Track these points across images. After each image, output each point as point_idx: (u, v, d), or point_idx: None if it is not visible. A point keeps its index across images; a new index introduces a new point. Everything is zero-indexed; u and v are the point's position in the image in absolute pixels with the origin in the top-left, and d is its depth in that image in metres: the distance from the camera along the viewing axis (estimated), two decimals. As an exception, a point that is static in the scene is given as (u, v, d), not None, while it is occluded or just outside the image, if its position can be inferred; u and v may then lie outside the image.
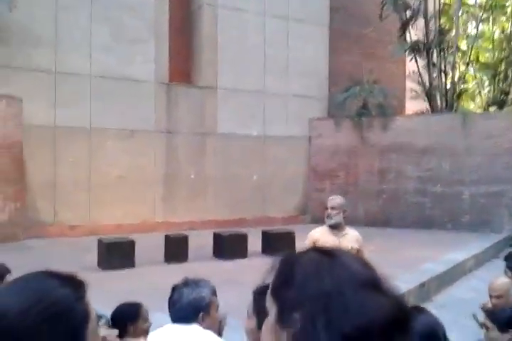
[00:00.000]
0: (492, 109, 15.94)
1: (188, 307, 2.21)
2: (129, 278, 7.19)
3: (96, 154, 11.90)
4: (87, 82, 11.79)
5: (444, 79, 15.68)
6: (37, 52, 11.22)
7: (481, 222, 12.63)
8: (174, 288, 2.29)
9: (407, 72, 17.23)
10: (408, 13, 15.52)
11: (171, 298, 2.27)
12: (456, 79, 16.08)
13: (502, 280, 4.25)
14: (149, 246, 8.94)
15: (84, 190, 11.74)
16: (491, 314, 3.30)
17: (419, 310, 2.20)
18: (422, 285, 7.06)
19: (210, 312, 2.24)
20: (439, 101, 15.46)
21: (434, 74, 15.63)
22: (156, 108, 12.76)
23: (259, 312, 1.72)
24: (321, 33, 15.39)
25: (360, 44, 16.23)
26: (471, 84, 17.56)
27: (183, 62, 13.60)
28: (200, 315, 2.21)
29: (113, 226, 11.66)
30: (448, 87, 15.68)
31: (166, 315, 2.40)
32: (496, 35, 16.98)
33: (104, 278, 6.83)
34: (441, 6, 16.14)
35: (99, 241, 8.40)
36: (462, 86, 16.58)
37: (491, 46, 16.89)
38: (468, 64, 16.66)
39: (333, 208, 4.04)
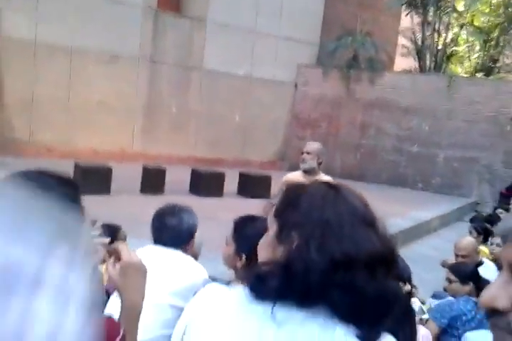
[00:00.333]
0: (479, 75, 16.00)
1: (185, 233, 2.24)
2: (105, 205, 7.18)
3: (77, 76, 11.47)
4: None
5: (436, 39, 15.53)
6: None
7: (451, 185, 13.02)
8: (171, 213, 2.26)
9: (400, 28, 16.96)
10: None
11: (164, 222, 2.22)
12: (448, 40, 15.95)
13: (468, 239, 4.48)
14: (126, 176, 8.89)
15: (63, 112, 11.41)
16: (454, 268, 3.55)
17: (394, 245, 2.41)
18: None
19: (194, 240, 2.31)
20: (428, 61, 15.38)
21: (428, 33, 15.43)
22: (141, 34, 12.26)
23: (237, 239, 1.91)
24: (320, -25, 14.83)
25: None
26: (462, 48, 17.44)
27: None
28: (191, 241, 2.28)
29: (90, 151, 11.48)
30: (439, 47, 15.57)
31: (142, 241, 2.46)
32: (495, 0, 16.71)
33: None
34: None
35: (76, 165, 8.30)
36: (453, 48, 16.47)
37: (488, 10, 16.65)
38: (462, 26, 16.46)
39: (308, 153, 4.05)
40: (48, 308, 0.34)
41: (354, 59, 14.55)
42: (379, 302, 0.86)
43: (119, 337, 1.05)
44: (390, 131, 13.79)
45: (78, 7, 11.20)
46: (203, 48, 13.19)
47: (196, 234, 2.33)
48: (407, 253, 7.74)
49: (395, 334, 0.92)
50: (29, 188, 0.36)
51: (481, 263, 4.09)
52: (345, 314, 0.85)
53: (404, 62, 16.55)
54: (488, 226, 5.82)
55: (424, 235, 8.75)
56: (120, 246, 1.12)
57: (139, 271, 1.10)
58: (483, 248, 4.90)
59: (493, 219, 6.50)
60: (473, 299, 3.09)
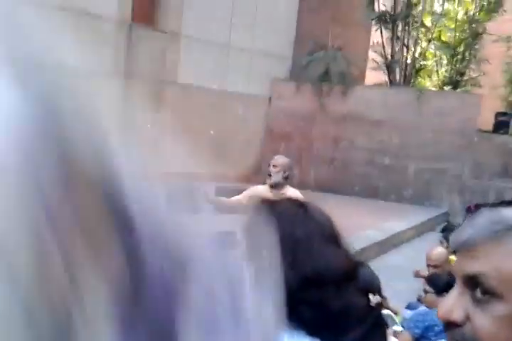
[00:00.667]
0: (447, 88, 16.44)
1: None
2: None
3: (49, 91, 11.37)
4: (42, 12, 11.07)
5: (405, 54, 15.91)
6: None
7: (422, 196, 13.25)
8: None
9: (371, 42, 17.31)
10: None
11: None
12: (417, 54, 16.36)
13: (439, 250, 4.55)
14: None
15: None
16: (430, 279, 3.62)
17: (361, 264, 2.47)
18: (362, 250, 7.46)
19: None
20: (397, 75, 15.73)
21: (397, 48, 15.81)
22: (114, 48, 12.21)
23: None
24: (292, -11, 15.08)
25: (329, 7, 16.05)
26: (430, 62, 17.90)
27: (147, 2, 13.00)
28: None
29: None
30: (408, 61, 15.94)
31: None
32: (460, 16, 17.26)
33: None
34: (412, -22, 16.14)
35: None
36: (422, 62, 16.91)
37: (453, 26, 17.18)
38: (430, 41, 16.90)
39: (274, 166, 4.07)
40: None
41: (326, 73, 14.78)
42: (345, 316, 0.92)
43: None
44: (362, 144, 13.98)
45: (49, 20, 11.13)
46: (177, 62, 13.21)
47: None
48: (380, 265, 7.85)
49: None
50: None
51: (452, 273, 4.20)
52: (311, 328, 0.90)
53: (374, 76, 16.89)
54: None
55: (397, 246, 8.88)
56: None
57: None
58: (454, 257, 5.00)
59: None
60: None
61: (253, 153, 14.84)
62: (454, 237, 0.69)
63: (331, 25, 15.78)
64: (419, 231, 10.14)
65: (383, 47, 15.78)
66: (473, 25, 16.25)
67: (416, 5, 16.23)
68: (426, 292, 3.59)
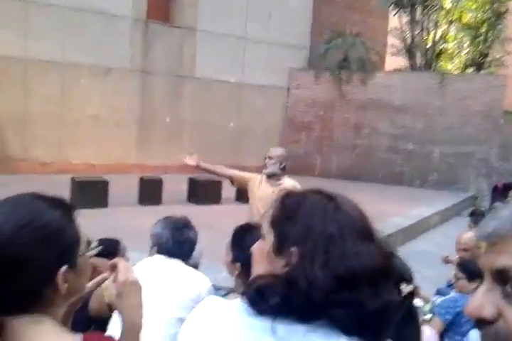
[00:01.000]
0: (469, 70, 16.07)
1: (194, 246, 2.38)
2: (103, 218, 7.18)
3: (69, 90, 11.50)
4: (61, 13, 11.19)
5: (425, 37, 15.61)
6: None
7: (448, 180, 13.05)
8: (186, 226, 2.36)
9: (389, 28, 17.04)
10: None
11: (181, 234, 2.32)
12: (437, 38, 16.03)
13: (469, 234, 4.44)
14: (122, 188, 8.90)
15: (56, 127, 11.43)
16: (461, 265, 3.50)
17: (393, 255, 2.40)
18: (388, 237, 7.36)
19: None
20: (418, 60, 15.46)
21: (416, 32, 15.52)
22: (131, 46, 12.30)
23: (233, 248, 1.93)
24: (307, -21, 14.90)
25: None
26: (451, 44, 17.53)
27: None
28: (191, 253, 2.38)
29: (85, 165, 11.49)
30: (428, 45, 15.64)
31: (142, 254, 2.47)
32: (481, -4, 16.80)
33: (77, 216, 6.80)
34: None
35: (72, 180, 8.30)
36: (442, 45, 16.56)
37: (474, 6, 16.75)
38: (450, 23, 16.55)
39: (270, 158, 4.05)
40: None
41: (345, 60, 14.60)
42: (383, 316, 0.85)
43: None
44: (384, 130, 13.82)
45: (67, 21, 11.25)
46: (194, 57, 13.23)
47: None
48: (408, 251, 7.75)
49: (399, 337, 0.90)
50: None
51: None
52: (348, 328, 0.84)
53: (394, 61, 16.62)
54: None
55: (424, 232, 8.75)
56: (118, 264, 1.11)
57: (136, 290, 1.10)
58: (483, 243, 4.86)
59: (492, 213, 6.46)
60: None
61: (272, 144, 14.68)
62: (479, 230, 0.66)
63: (348, 12, 15.58)
64: (446, 216, 9.97)
65: (402, 31, 15.51)
66: (495, 5, 15.80)
67: (434, -13, 15.90)
68: (457, 278, 3.48)
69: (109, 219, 7.08)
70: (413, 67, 15.34)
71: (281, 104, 14.85)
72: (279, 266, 0.89)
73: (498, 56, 16.12)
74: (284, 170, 4.07)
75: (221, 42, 13.43)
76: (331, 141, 14.38)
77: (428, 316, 3.45)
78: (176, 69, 13.01)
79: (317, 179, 12.83)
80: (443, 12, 16.07)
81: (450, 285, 4.23)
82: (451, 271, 3.87)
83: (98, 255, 2.80)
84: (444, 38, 16.57)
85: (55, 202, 0.97)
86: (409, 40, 15.55)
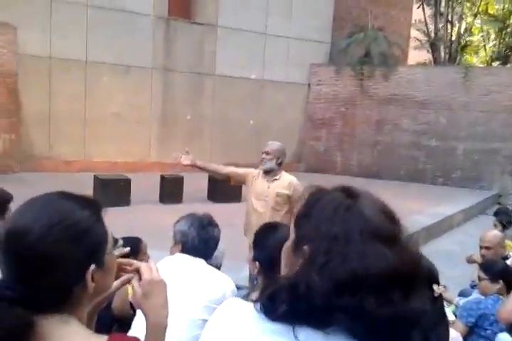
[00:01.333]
0: (495, 64, 15.71)
1: (217, 244, 2.38)
2: (126, 216, 7.25)
3: (92, 88, 11.63)
4: (84, 11, 11.31)
5: (449, 30, 15.32)
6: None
7: (472, 178, 12.80)
8: (211, 224, 2.37)
9: (413, 21, 16.77)
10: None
11: (207, 232, 2.33)
12: (462, 30, 15.72)
13: (494, 232, 4.38)
14: (144, 186, 8.98)
15: (80, 125, 11.59)
16: (484, 265, 3.42)
17: (420, 258, 2.33)
18: (410, 236, 7.26)
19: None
20: (442, 53, 15.19)
21: (441, 25, 15.23)
22: (153, 43, 12.36)
23: (255, 247, 1.94)
24: (328, -27, 14.72)
25: (367, -12, 15.62)
26: (476, 37, 17.16)
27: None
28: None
29: (108, 163, 11.62)
30: (453, 38, 15.34)
31: (163, 252, 2.47)
32: (508, -14, 16.37)
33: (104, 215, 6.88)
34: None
35: (95, 178, 8.41)
36: (467, 38, 16.23)
37: (501, -2, 16.35)
38: (476, 15, 16.22)
39: (266, 153, 4.02)
40: None
41: (366, 55, 14.42)
42: (400, 324, 0.79)
43: None
44: (407, 127, 13.61)
45: (90, 19, 11.35)
46: (215, 54, 13.23)
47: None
48: (431, 250, 7.64)
49: (428, 338, 0.82)
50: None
51: (507, 258, 3.99)
52: (362, 335, 0.80)
53: (417, 55, 16.36)
54: (514, 219, 5.69)
55: (447, 231, 8.61)
56: (142, 265, 1.12)
57: (161, 290, 1.10)
58: (509, 242, 4.78)
59: (518, 212, 6.33)
60: (503, 298, 3.00)
61: (293, 141, 14.70)
62: None
63: (370, 5, 15.35)
64: (469, 214, 9.79)
65: (426, 24, 15.24)
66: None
67: (459, -22, 15.56)
68: (480, 279, 3.40)
69: (131, 217, 7.16)
70: (437, 60, 15.08)
71: (302, 100, 14.75)
72: (296, 266, 0.86)
73: (525, 49, 15.74)
74: (281, 166, 4.04)
75: (241, 37, 13.40)
76: (352, 137, 14.22)
77: (451, 318, 3.38)
78: (197, 67, 13.04)
79: (339, 176, 12.71)
80: (468, 4, 15.75)
81: (474, 286, 4.15)
82: (474, 271, 3.79)
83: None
84: (469, 30, 16.26)
85: (84, 201, 0.98)
86: (432, 34, 15.28)
